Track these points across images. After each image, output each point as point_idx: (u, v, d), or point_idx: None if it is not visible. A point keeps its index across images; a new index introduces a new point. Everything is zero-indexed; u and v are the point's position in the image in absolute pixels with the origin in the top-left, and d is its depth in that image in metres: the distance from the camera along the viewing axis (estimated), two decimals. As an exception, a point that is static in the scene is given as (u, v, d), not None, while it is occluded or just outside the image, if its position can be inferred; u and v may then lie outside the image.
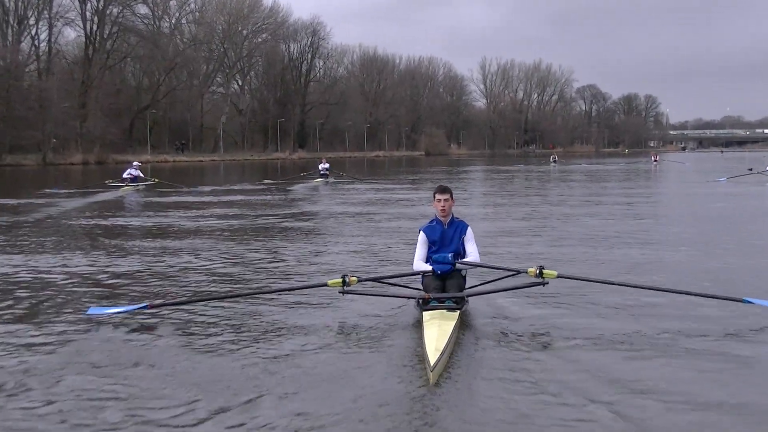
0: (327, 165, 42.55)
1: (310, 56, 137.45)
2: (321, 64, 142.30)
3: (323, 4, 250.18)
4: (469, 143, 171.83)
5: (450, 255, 7.81)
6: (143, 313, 7.81)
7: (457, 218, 8.26)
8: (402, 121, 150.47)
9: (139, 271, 11.06)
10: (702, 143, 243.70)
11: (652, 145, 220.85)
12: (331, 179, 41.80)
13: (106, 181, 35.50)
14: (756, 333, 7.08)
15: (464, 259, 7.96)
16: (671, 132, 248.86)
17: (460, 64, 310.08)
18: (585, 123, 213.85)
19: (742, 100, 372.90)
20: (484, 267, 8.25)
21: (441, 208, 8.05)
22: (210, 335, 7.19)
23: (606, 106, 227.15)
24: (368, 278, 8.16)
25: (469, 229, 8.17)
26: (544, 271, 7.38)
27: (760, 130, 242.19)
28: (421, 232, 8.19)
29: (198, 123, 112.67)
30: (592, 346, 6.63)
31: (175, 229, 17.38)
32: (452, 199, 8.14)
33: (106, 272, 11.00)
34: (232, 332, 7.31)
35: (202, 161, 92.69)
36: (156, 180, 37.35)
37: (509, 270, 8.08)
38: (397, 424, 4.94)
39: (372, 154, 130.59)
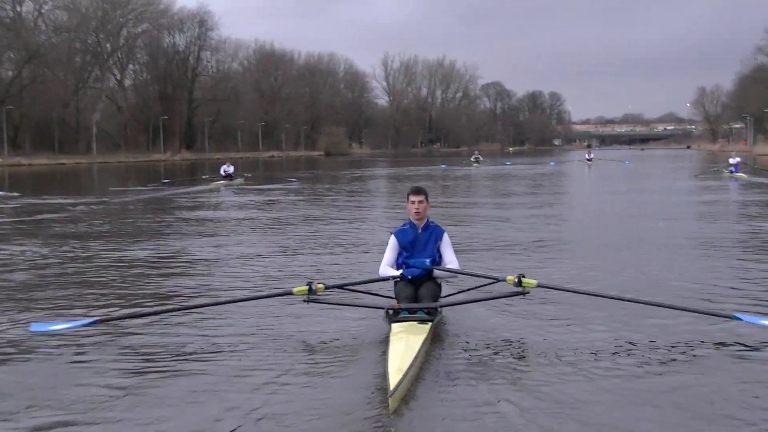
0: (232, 168, 38.30)
1: (197, 49, 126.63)
2: (210, 57, 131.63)
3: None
4: (371, 142, 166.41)
5: (428, 260, 7.57)
6: (94, 329, 7.36)
7: (432, 222, 7.99)
8: (300, 120, 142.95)
9: (77, 284, 10.42)
10: (605, 141, 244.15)
11: (556, 143, 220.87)
12: (237, 181, 37.80)
13: None
14: (744, 347, 6.70)
15: (448, 266, 7.71)
16: (575, 130, 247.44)
17: (364, 61, 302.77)
18: (490, 121, 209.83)
19: (642, 98, 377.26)
20: (460, 273, 7.88)
21: (415, 210, 7.79)
22: (159, 353, 6.81)
23: (511, 103, 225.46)
24: (336, 285, 7.85)
25: (445, 234, 7.92)
26: (524, 279, 7.10)
27: (661, 127, 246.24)
28: (393, 235, 7.89)
29: (72, 121, 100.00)
30: (573, 368, 6.13)
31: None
32: (427, 201, 7.88)
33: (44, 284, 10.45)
34: (185, 348, 6.94)
35: (64, 164, 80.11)
36: None
37: (487, 277, 7.85)
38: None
39: (266, 155, 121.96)
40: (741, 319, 7.07)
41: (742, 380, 5.87)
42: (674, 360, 6.36)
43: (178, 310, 8.30)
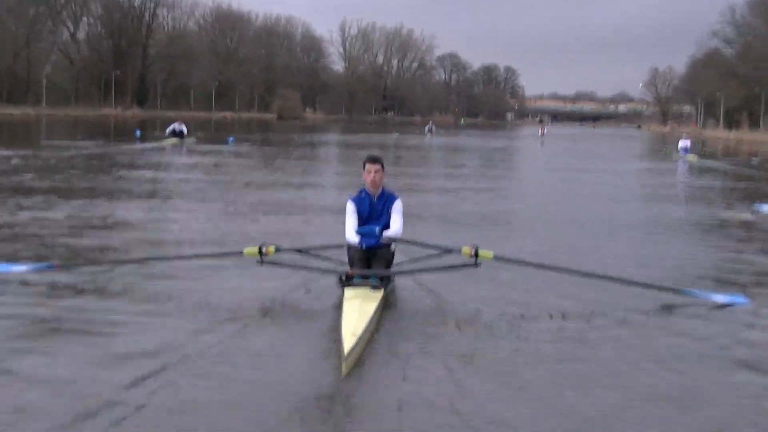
0: (184, 127, 36.89)
1: (153, 5, 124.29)
2: (166, 14, 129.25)
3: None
4: (326, 108, 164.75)
5: (377, 228, 7.42)
6: (48, 273, 7.66)
7: (387, 190, 7.93)
8: (255, 81, 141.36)
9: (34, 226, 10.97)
10: (557, 117, 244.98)
11: (509, 117, 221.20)
12: (188, 140, 36.39)
13: None
14: (686, 320, 6.96)
15: (390, 233, 7.58)
16: (528, 105, 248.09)
17: (322, 26, 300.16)
18: (445, 92, 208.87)
19: (596, 77, 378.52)
20: (415, 244, 8.18)
21: (371, 179, 7.73)
22: (112, 301, 7.02)
23: (466, 76, 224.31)
24: (287, 248, 7.85)
25: (398, 200, 7.86)
26: (480, 251, 7.08)
27: (613, 106, 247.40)
28: (350, 201, 7.83)
29: (22, 72, 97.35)
30: (524, 337, 6.25)
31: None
32: (383, 169, 7.81)
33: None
34: (135, 300, 7.06)
35: (12, 115, 77.01)
36: None
37: (442, 248, 7.89)
38: (296, 421, 4.54)
39: (219, 115, 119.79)
40: (692, 294, 7.49)
41: (689, 352, 6.09)
42: (623, 332, 6.54)
43: (136, 261, 8.53)
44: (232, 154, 30.71)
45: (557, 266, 7.85)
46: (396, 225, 7.64)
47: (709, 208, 16.74)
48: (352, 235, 7.58)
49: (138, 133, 37.94)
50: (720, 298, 7.49)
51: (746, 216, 15.08)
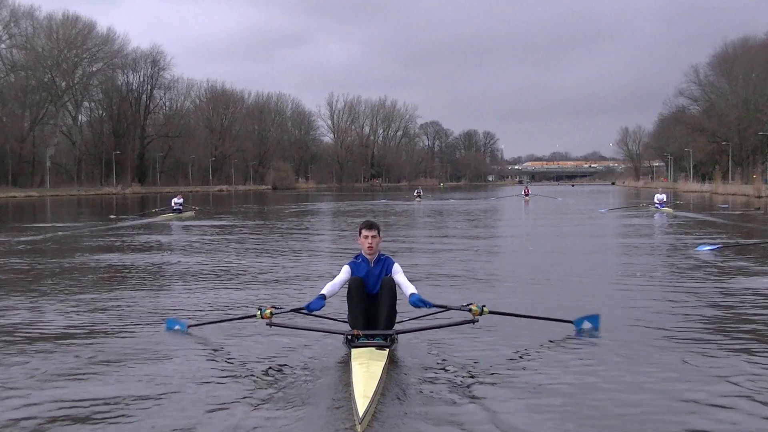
0: (181, 200, 37.53)
1: (150, 87, 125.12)
2: (163, 95, 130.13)
3: (182, 39, 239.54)
4: (317, 177, 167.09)
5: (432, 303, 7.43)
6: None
7: (383, 255, 7.69)
8: (249, 155, 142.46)
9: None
10: (534, 177, 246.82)
11: (490, 179, 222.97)
12: (188, 214, 36.71)
13: None
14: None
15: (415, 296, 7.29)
16: (508, 167, 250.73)
17: (311, 101, 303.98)
18: (429, 158, 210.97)
19: (569, 138, 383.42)
20: (436, 307, 7.61)
21: (368, 245, 7.52)
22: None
23: (448, 141, 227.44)
24: (285, 310, 7.76)
25: (396, 264, 7.61)
26: (484, 308, 7.31)
27: (587, 165, 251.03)
28: (347, 266, 7.60)
29: (27, 155, 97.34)
30: (522, 383, 6.31)
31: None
32: (379, 235, 7.62)
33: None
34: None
35: (15, 197, 76.76)
36: None
37: (451, 308, 7.80)
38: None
39: (216, 188, 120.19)
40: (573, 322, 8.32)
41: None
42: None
43: (242, 318, 8.43)
44: (229, 225, 29.94)
45: (538, 315, 8.42)
46: (408, 284, 7.42)
47: (670, 257, 16.49)
48: (327, 288, 7.38)
49: (112, 216, 36.65)
50: (586, 324, 8.34)
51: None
